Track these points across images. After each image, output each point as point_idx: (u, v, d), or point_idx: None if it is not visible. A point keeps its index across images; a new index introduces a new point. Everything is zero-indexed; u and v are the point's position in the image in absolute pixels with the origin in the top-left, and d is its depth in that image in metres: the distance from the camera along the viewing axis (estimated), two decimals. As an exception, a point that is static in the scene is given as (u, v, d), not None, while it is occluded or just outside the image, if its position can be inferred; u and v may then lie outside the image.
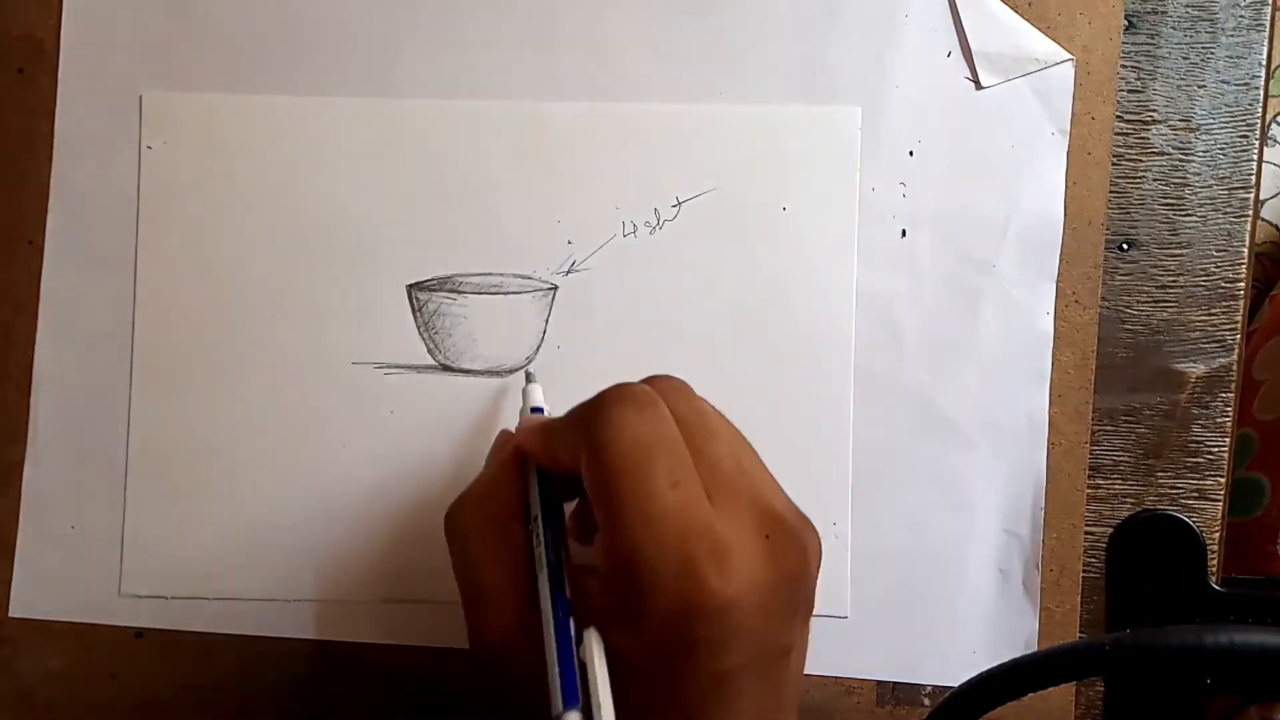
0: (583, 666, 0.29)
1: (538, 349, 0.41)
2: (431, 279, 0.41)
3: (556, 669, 0.29)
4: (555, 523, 0.32)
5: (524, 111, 0.41)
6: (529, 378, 0.40)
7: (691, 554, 0.28)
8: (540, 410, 0.38)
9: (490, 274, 0.41)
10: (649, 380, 0.32)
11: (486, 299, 0.41)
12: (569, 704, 0.28)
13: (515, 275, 0.41)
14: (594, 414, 0.30)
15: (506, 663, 0.32)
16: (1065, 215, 0.41)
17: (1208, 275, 0.41)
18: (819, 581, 0.32)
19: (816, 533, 0.32)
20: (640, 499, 0.28)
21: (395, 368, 0.41)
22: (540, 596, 0.31)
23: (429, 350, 0.41)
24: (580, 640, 0.30)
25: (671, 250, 0.41)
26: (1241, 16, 0.41)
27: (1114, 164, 0.41)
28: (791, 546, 0.30)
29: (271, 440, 0.41)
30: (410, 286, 0.41)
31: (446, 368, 0.41)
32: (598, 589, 0.30)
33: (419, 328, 0.41)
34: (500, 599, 0.32)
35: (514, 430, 0.37)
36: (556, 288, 0.41)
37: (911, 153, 0.41)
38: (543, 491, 0.33)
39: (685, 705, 0.30)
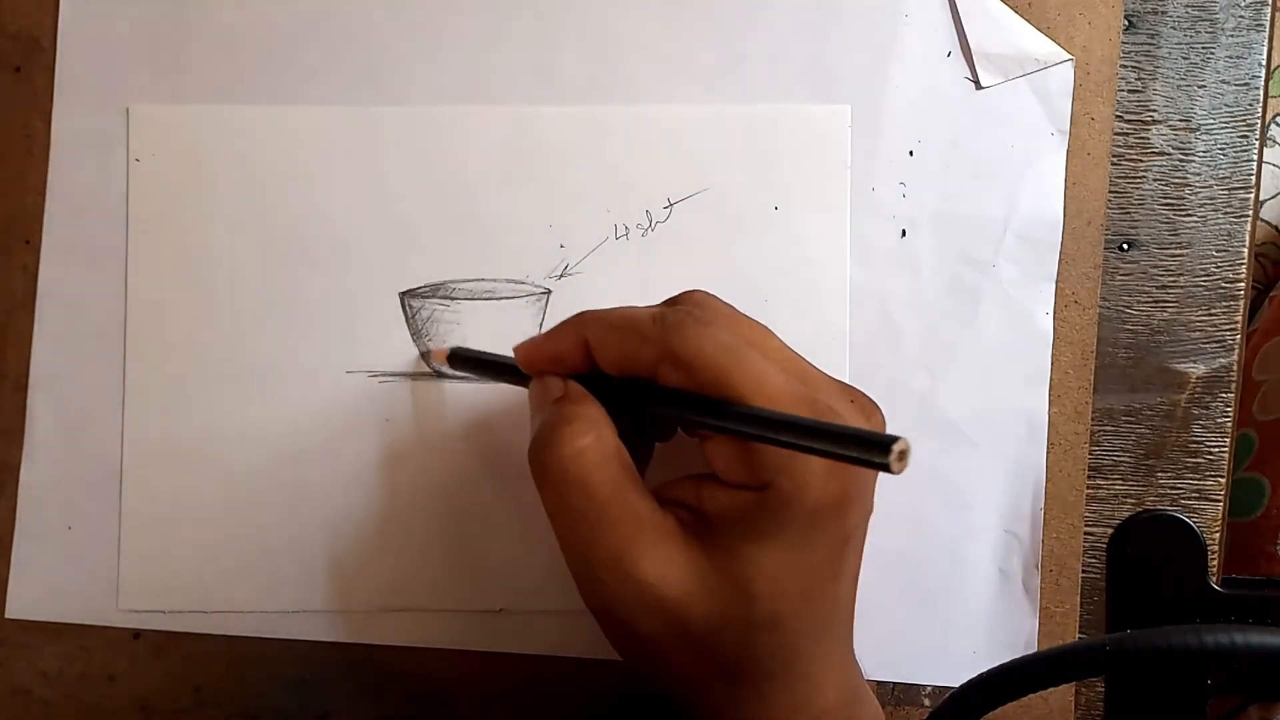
0: None
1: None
2: (424, 286, 0.41)
3: None
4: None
5: (513, 115, 0.41)
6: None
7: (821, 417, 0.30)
8: None
9: (483, 280, 0.41)
10: (677, 299, 0.34)
11: (479, 305, 0.40)
12: None
13: (508, 280, 0.41)
14: (671, 323, 0.31)
15: (678, 606, 0.30)
16: (1065, 215, 0.41)
17: (1208, 275, 0.41)
18: None
19: None
20: (755, 381, 0.29)
21: (389, 375, 0.41)
22: None
23: (423, 357, 0.41)
24: None
25: (664, 252, 0.41)
26: (1241, 16, 0.41)
27: (1114, 164, 0.41)
28: (871, 405, 0.33)
29: (266, 448, 0.41)
30: (403, 294, 0.41)
31: (440, 374, 0.41)
32: (716, 495, 0.31)
33: (412, 335, 0.41)
34: (660, 527, 0.31)
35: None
36: (550, 292, 0.41)
37: (911, 152, 0.41)
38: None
39: (817, 567, 0.31)
